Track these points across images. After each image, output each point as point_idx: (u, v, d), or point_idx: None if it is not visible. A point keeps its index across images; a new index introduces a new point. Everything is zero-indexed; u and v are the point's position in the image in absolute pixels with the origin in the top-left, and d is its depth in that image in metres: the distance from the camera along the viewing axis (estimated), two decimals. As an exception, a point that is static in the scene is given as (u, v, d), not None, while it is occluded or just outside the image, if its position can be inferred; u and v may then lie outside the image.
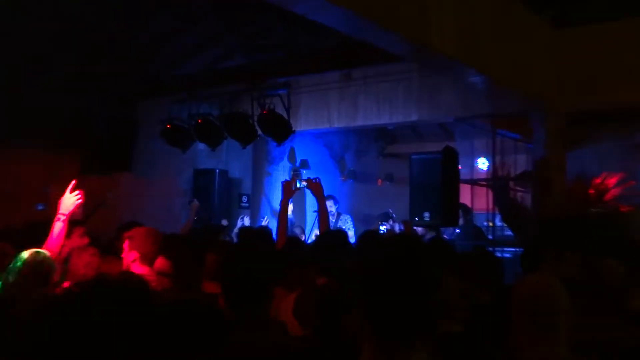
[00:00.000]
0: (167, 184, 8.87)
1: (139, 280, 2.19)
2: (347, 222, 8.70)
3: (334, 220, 8.66)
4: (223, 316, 2.20)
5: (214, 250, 3.87)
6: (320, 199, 4.83)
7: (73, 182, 3.98)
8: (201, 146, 8.58)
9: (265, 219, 8.30)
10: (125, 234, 3.92)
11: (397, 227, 7.68)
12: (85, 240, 4.67)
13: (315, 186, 4.94)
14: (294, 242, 4.26)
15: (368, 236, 3.97)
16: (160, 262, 3.47)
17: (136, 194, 8.42)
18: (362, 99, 8.08)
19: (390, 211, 9.15)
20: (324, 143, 11.15)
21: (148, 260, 3.72)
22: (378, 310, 1.70)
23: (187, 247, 3.55)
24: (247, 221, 8.15)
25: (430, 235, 6.81)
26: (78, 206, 4.13)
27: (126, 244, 3.82)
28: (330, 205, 8.67)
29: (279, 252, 4.09)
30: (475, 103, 7.11)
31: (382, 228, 6.09)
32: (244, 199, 9.63)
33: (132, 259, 3.78)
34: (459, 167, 6.39)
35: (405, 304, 1.69)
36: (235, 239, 6.49)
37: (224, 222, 7.93)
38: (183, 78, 7.86)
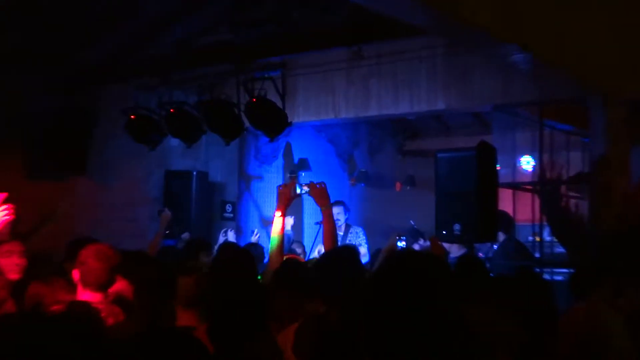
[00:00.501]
0: (131, 190, 8.88)
1: (87, 312, 2.19)
2: (359, 236, 8.72)
3: (341, 234, 8.69)
4: (204, 355, 2.20)
5: (189, 272, 3.90)
6: (326, 208, 4.85)
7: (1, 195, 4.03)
8: (174, 142, 8.58)
9: (255, 233, 8.33)
10: (76, 253, 3.95)
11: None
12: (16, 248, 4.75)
13: (319, 192, 4.96)
14: (292, 264, 4.28)
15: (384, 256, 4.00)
16: (119, 288, 3.49)
17: (93, 202, 8.42)
18: (376, 82, 8.10)
19: (412, 223, 9.19)
20: (328, 138, 11.19)
21: (100, 285, 3.74)
22: (380, 349, 1.70)
23: (153, 268, 3.57)
24: (231, 236, 8.19)
25: (459, 253, 6.84)
26: (5, 224, 4.20)
27: (75, 270, 3.85)
28: (339, 214, 8.70)
29: (274, 275, 4.11)
30: (517, 87, 7.13)
31: (401, 244, 6.10)
32: (228, 208, 9.66)
33: (82, 285, 3.80)
34: (498, 167, 6.42)
35: (415, 342, 1.68)
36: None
37: (226, 236, 7.94)
38: (151, 57, 7.89)
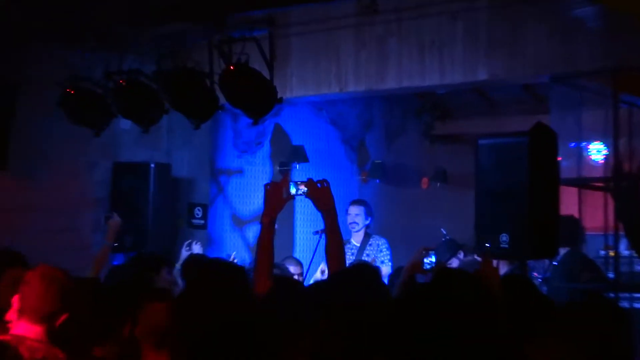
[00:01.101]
0: (68, 189, 8.88)
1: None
2: (382, 251, 8.73)
3: (357, 245, 8.70)
4: None
5: (161, 297, 3.91)
6: (329, 215, 4.87)
7: None
8: (125, 125, 8.57)
9: (233, 258, 8.30)
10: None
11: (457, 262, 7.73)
12: None
13: (320, 193, 4.96)
14: (286, 287, 4.28)
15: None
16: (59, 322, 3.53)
17: (17, 205, 8.43)
18: (395, 45, 8.10)
19: (444, 232, 9.21)
20: (331, 119, 11.20)
21: (41, 317, 3.77)
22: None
23: (105, 295, 3.59)
24: (197, 249, 8.17)
25: (503, 271, 6.85)
26: None
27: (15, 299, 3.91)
28: (357, 215, 8.74)
29: (263, 303, 4.12)
30: (583, 51, 7.13)
31: (429, 260, 6.12)
32: (198, 212, 9.65)
33: (18, 314, 3.85)
34: (559, 158, 6.42)
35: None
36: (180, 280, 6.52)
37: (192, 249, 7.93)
38: (94, 10, 7.88)
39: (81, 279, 4.06)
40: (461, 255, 8.16)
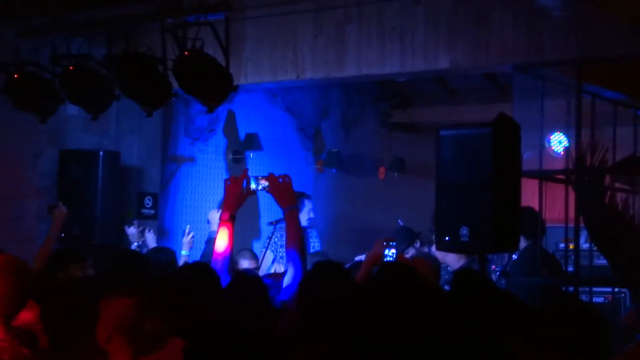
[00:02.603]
0: (12, 178, 8.81)
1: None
2: (314, 241, 8.83)
3: None
4: None
5: (128, 291, 3.92)
6: (290, 210, 4.92)
7: None
8: (73, 111, 8.50)
9: (188, 233, 8.26)
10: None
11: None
12: None
13: (281, 189, 5.01)
14: (243, 283, 4.31)
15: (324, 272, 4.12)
16: (26, 319, 3.53)
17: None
18: (354, 30, 8.11)
19: (401, 224, 9.28)
20: (287, 105, 11.21)
21: (6, 315, 3.75)
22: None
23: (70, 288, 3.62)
24: (150, 240, 8.16)
25: (458, 265, 6.93)
26: None
27: None
28: (310, 210, 8.78)
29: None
30: (548, 40, 7.20)
31: (389, 252, 6.16)
32: (148, 201, 9.63)
33: None
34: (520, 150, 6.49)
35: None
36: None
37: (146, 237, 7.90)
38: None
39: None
40: (417, 244, 8.22)
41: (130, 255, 6.44)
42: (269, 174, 5.10)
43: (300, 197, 8.85)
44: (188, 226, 8.51)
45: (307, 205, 8.95)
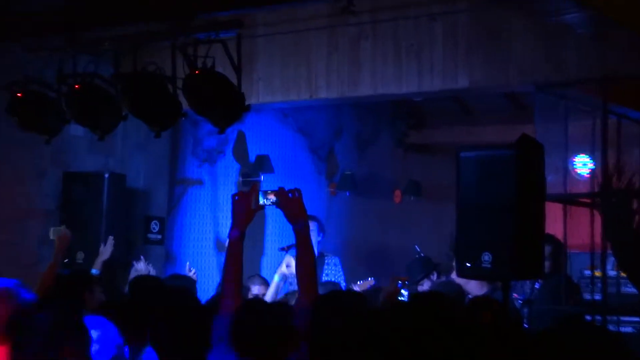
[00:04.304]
0: (13, 199, 8.82)
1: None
2: (340, 271, 8.73)
3: None
4: None
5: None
6: (301, 228, 4.91)
7: None
8: (78, 132, 8.52)
9: (190, 269, 8.24)
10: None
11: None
12: None
13: (291, 204, 5.00)
14: (254, 311, 4.33)
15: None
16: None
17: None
18: (370, 48, 8.15)
19: (417, 249, 9.27)
20: (299, 126, 11.22)
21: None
22: None
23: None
24: (146, 269, 8.02)
25: (481, 293, 6.91)
26: None
27: None
28: (312, 232, 8.68)
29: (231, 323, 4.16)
30: (571, 59, 7.22)
31: (403, 292, 6.18)
32: (154, 226, 9.64)
33: None
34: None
35: None
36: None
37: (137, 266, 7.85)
38: (46, 7, 7.86)
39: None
40: (434, 276, 8.19)
41: (148, 281, 6.46)
42: (279, 188, 5.09)
43: (312, 219, 8.81)
44: (187, 263, 8.50)
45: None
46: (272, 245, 10.55)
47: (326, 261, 8.79)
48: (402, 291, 6.06)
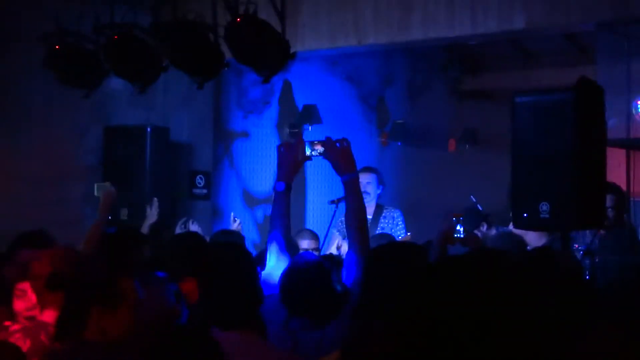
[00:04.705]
0: (55, 157, 8.92)
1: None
2: (397, 224, 8.70)
3: (369, 218, 8.66)
4: None
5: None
6: (350, 178, 4.90)
7: None
8: (117, 85, 8.57)
9: (234, 219, 8.30)
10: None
11: (492, 234, 7.74)
12: None
13: (339, 154, 5.00)
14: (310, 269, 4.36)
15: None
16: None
17: (-1, 175, 8.51)
18: (420, -10, 8.10)
19: (473, 200, 9.25)
20: (347, 74, 11.20)
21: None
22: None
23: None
24: (194, 229, 8.10)
25: (540, 243, 6.88)
26: None
27: (26, 286, 4.16)
28: (368, 184, 8.60)
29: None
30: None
31: (458, 229, 6.16)
32: (199, 180, 9.71)
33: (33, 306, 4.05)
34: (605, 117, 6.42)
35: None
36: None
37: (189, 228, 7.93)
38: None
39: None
40: (484, 227, 8.16)
41: (189, 238, 6.49)
42: (326, 137, 5.07)
43: (369, 171, 8.80)
44: (232, 213, 8.53)
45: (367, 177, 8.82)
46: (315, 198, 10.55)
47: (383, 214, 8.75)
48: (458, 227, 6.02)
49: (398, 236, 8.36)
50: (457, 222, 6.10)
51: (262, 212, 10.21)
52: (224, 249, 4.67)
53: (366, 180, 8.69)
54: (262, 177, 10.17)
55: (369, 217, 8.61)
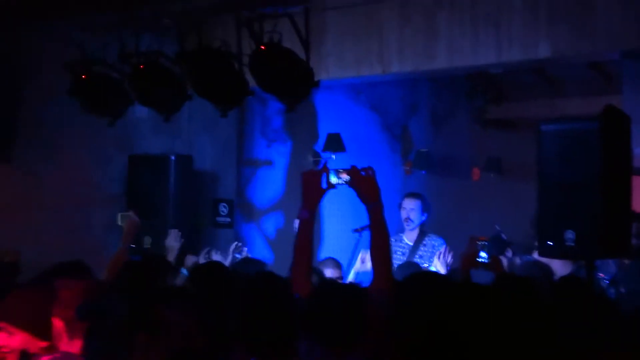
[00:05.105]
0: (79, 184, 8.96)
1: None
2: (437, 251, 8.57)
3: (410, 244, 8.58)
4: None
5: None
6: (375, 208, 4.89)
7: None
8: (142, 113, 8.63)
9: (238, 247, 8.23)
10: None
11: (517, 262, 7.70)
12: None
13: (364, 183, 4.99)
14: (329, 291, 4.33)
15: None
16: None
17: (23, 202, 8.53)
18: (445, 18, 8.11)
19: (498, 229, 9.21)
20: (372, 103, 11.21)
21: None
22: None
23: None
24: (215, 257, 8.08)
25: (565, 272, 6.85)
26: None
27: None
28: (412, 210, 8.62)
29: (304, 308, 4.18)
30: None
31: (482, 255, 6.16)
32: (223, 209, 9.72)
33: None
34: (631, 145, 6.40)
35: None
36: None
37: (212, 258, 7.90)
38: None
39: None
40: (509, 253, 8.12)
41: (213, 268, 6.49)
42: (351, 166, 5.07)
43: (417, 197, 8.78)
44: (235, 243, 8.44)
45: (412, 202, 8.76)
46: (336, 227, 10.51)
47: (424, 241, 8.65)
48: (481, 253, 6.00)
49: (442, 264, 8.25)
50: (482, 247, 6.10)
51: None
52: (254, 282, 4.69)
53: (410, 207, 8.67)
54: (285, 206, 10.17)
55: (410, 243, 8.61)
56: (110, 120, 8.01)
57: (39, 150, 8.57)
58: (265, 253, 9.70)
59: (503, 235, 8.88)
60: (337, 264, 7.82)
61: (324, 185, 5.10)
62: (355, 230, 8.55)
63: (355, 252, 8.54)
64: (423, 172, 11.48)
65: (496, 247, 8.04)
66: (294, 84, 7.11)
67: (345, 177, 5.08)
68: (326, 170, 5.13)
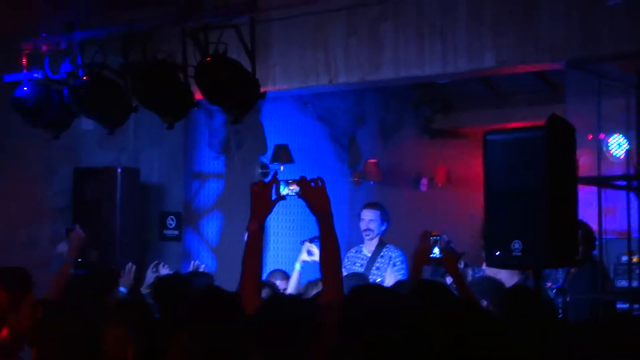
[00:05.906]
0: (24, 199, 8.88)
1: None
2: (396, 265, 8.47)
3: (368, 255, 8.55)
4: None
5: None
6: (324, 218, 4.88)
7: None
8: (87, 126, 8.56)
9: (196, 265, 8.21)
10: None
11: (470, 274, 7.73)
12: None
13: (315, 194, 4.98)
14: (277, 306, 4.31)
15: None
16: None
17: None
18: (390, 30, 8.11)
19: (446, 239, 9.23)
20: (319, 114, 11.19)
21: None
22: None
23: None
24: (165, 272, 8.01)
25: (512, 282, 6.88)
26: None
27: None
28: (371, 221, 8.63)
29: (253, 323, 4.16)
30: (604, 32, 7.15)
31: (434, 251, 6.18)
32: (171, 222, 9.66)
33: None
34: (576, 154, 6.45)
35: None
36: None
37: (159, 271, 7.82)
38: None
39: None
40: (461, 264, 8.15)
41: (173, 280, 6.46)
42: (301, 177, 5.06)
43: (375, 207, 8.78)
44: (195, 261, 8.36)
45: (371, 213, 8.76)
46: (283, 238, 10.49)
47: (382, 252, 8.60)
48: (434, 249, 6.01)
49: (396, 277, 8.22)
50: (434, 243, 6.11)
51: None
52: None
53: (369, 217, 8.67)
54: (234, 217, 10.11)
55: (369, 254, 8.59)
56: (54, 133, 7.95)
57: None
58: (209, 261, 9.63)
59: (452, 245, 8.92)
60: (284, 276, 7.83)
61: (274, 197, 5.08)
62: (304, 242, 8.53)
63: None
64: (371, 182, 11.48)
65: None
66: (240, 96, 7.09)
67: (295, 188, 5.07)
68: (276, 182, 5.11)
